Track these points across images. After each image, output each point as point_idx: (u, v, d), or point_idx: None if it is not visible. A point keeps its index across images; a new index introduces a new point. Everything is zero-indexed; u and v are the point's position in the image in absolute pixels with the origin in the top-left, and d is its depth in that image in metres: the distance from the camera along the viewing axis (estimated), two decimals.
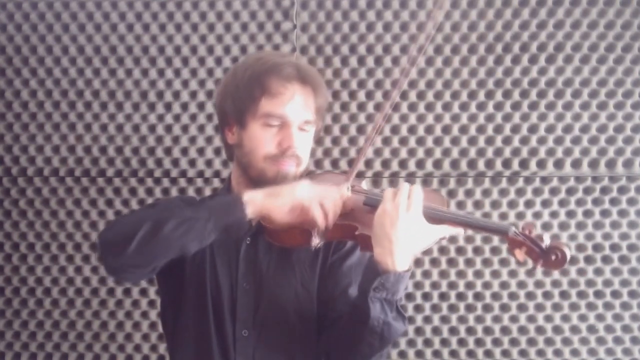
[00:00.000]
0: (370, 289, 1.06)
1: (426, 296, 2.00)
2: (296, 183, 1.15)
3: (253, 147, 1.21)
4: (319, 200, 1.11)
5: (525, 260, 1.10)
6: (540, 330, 1.98)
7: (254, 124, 1.20)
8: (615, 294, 1.97)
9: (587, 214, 1.98)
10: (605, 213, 1.97)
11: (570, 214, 1.98)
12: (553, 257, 1.07)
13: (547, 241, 1.08)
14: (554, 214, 1.98)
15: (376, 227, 1.08)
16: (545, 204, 1.98)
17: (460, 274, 1.99)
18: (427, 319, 2.00)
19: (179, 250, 1.09)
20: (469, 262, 1.99)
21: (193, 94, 2.01)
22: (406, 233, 1.06)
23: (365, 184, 1.26)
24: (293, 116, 1.19)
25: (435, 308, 2.00)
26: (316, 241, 1.12)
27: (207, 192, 2.00)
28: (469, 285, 1.99)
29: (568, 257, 1.07)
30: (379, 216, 1.08)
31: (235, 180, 1.30)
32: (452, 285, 1.99)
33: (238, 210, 1.09)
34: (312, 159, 1.97)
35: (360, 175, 1.94)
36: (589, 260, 1.98)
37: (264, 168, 1.20)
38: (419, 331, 2.01)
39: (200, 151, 2.02)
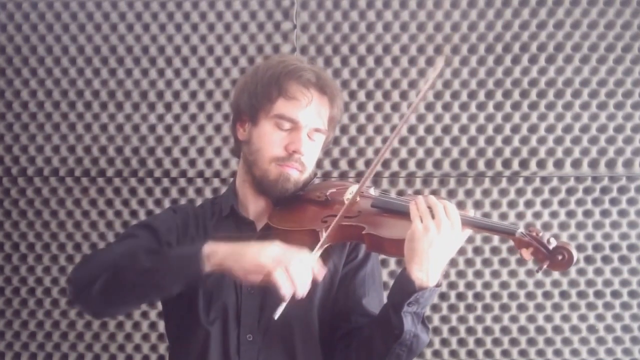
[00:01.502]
0: (405, 304, 1.08)
1: None
2: (265, 245, 1.07)
3: (261, 145, 1.22)
4: (284, 267, 1.02)
5: (531, 259, 1.10)
6: (540, 330, 1.98)
7: (266, 123, 1.22)
8: (615, 294, 1.97)
9: (587, 214, 1.98)
10: (605, 213, 1.97)
11: (570, 214, 1.98)
12: (559, 257, 1.08)
13: (553, 242, 1.08)
14: (554, 214, 1.98)
15: (415, 244, 1.07)
16: (545, 204, 1.98)
17: (460, 274, 1.99)
18: (427, 319, 1.99)
19: (143, 299, 1.11)
20: (469, 262, 1.99)
21: (193, 94, 2.01)
22: (445, 250, 1.07)
23: (374, 190, 1.26)
24: (305, 122, 1.21)
25: (435, 308, 2.00)
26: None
27: (207, 192, 2.00)
28: (469, 285, 1.99)
29: (575, 257, 1.07)
30: (418, 234, 1.07)
31: (241, 178, 1.30)
32: (452, 285, 1.99)
33: (195, 266, 1.07)
34: None
35: (360, 176, 1.94)
36: (589, 260, 1.97)
37: (268, 169, 1.22)
38: None
39: (200, 151, 2.02)
